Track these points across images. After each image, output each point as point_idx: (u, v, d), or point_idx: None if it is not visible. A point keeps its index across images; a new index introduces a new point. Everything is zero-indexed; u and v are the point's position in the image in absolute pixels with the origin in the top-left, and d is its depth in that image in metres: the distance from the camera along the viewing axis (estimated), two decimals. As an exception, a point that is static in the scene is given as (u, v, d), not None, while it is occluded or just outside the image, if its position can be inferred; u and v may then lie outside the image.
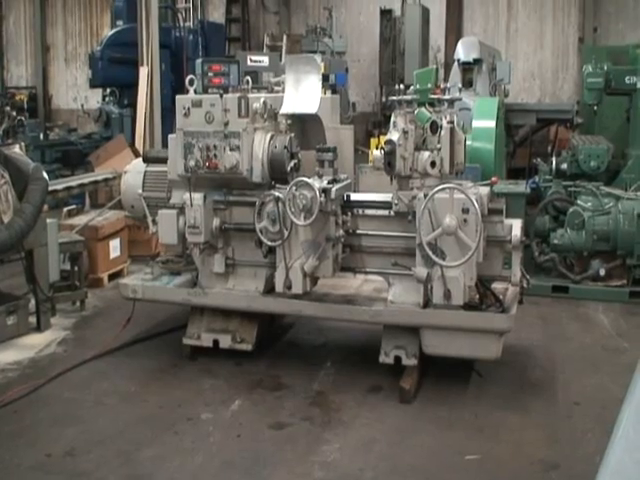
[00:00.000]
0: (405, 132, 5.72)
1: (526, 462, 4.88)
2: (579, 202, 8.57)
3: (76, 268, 7.98)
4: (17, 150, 7.49)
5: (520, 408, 5.65)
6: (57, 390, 5.99)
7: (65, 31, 20.97)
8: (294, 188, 5.78)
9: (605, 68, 10.61)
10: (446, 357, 5.99)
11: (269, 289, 6.31)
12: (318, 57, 6.98)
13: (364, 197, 6.35)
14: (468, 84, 12.29)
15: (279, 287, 6.05)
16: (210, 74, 6.57)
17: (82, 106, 17.88)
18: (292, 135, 6.22)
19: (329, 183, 5.84)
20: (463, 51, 12.67)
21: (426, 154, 5.75)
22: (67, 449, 5.03)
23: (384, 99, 15.65)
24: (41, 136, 13.95)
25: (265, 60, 13.76)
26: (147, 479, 4.71)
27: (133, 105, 13.79)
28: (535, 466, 4.83)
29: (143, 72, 12.90)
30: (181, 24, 16.50)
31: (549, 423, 5.42)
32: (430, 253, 5.54)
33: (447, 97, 6.05)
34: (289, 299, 6.12)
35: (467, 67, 12.55)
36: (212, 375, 6.25)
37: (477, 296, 5.97)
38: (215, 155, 6.07)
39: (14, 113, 13.83)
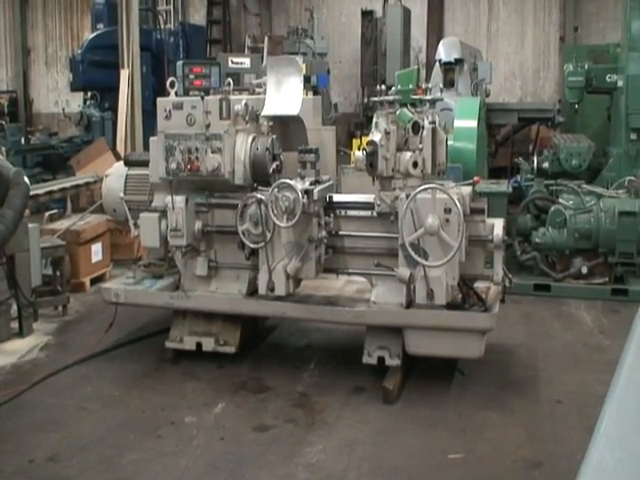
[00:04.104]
0: (387, 133, 5.72)
1: (509, 460, 4.89)
2: (561, 201, 8.61)
3: (58, 273, 7.94)
4: (-3, 155, 7.46)
5: (503, 407, 5.66)
6: (40, 395, 5.95)
7: (45, 34, 20.87)
8: (276, 190, 5.78)
9: (586, 67, 10.73)
10: (429, 357, 6.00)
11: (252, 291, 6.29)
12: (299, 58, 6.99)
13: (346, 198, 6.36)
14: (449, 84, 12.34)
15: (262, 289, 6.04)
16: (191, 76, 6.57)
17: (63, 110, 17.78)
18: (274, 137, 6.21)
19: (311, 184, 5.83)
20: (444, 51, 12.72)
21: (408, 154, 5.76)
22: (50, 454, 5.00)
23: (366, 100, 15.70)
24: (22, 140, 13.84)
25: (246, 62, 13.75)
26: (131, 483, 4.70)
27: (114, 108, 13.73)
28: (518, 464, 4.85)
29: (124, 75, 12.85)
30: (162, 26, 16.44)
31: (532, 421, 5.44)
32: (412, 253, 5.55)
33: (429, 97, 6.06)
34: (272, 301, 6.11)
35: (448, 67, 12.60)
36: (195, 378, 6.23)
37: (460, 295, 5.98)
38: (197, 157, 6.06)
39: (-6, 117, 13.77)
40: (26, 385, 6.06)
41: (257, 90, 6.83)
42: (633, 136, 9.88)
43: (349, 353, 6.46)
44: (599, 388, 5.64)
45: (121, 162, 7.19)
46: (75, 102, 17.98)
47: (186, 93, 6.53)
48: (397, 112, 5.90)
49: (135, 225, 6.57)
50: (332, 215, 6.15)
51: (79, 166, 12.50)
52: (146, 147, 7.71)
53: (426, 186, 5.56)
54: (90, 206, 9.63)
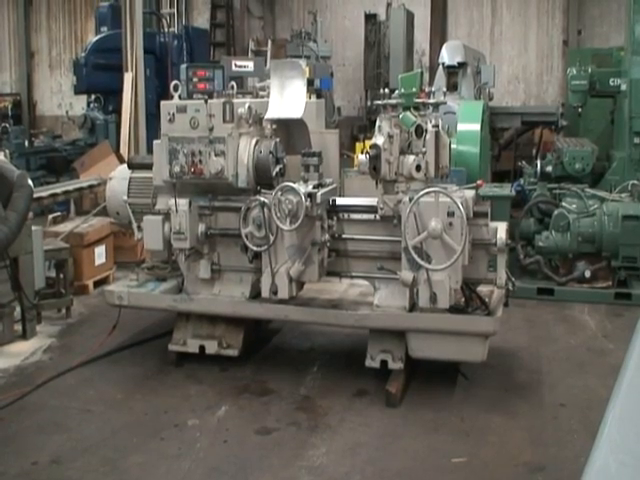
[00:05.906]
0: (390, 136, 5.72)
1: (512, 464, 4.89)
2: (564, 204, 8.61)
3: (61, 275, 7.94)
4: (1, 157, 7.47)
5: (506, 410, 5.66)
6: (43, 398, 5.95)
7: (49, 37, 20.88)
8: (279, 193, 5.79)
9: (589, 71, 10.71)
10: (432, 360, 6.00)
11: (255, 294, 6.30)
12: (303, 62, 6.99)
13: (349, 201, 6.36)
14: (453, 88, 12.35)
15: (265, 292, 6.05)
16: (195, 79, 6.54)
17: (67, 112, 17.82)
18: (277, 140, 6.22)
19: (314, 188, 5.84)
20: (448, 55, 12.73)
21: (411, 158, 5.76)
22: (53, 457, 5.00)
23: (369, 103, 15.69)
24: (26, 143, 13.88)
25: (250, 65, 13.73)
26: (134, 486, 4.70)
27: (118, 111, 13.77)
28: (521, 468, 4.84)
29: (127, 78, 12.89)
30: (166, 30, 16.47)
31: (535, 425, 5.43)
32: (416, 257, 5.55)
33: (432, 101, 6.06)
34: (275, 304, 6.12)
35: (452, 71, 12.62)
36: (198, 381, 6.23)
37: (463, 299, 5.98)
38: (200, 161, 6.07)
39: (-2, 120, 13.80)
40: (29, 387, 6.07)
41: (260, 93, 6.83)
42: (636, 140, 9.87)
43: (352, 356, 6.46)
44: (603, 392, 5.63)
45: (125, 165, 7.20)
46: (79, 105, 17.98)
47: (190, 96, 6.51)
48: (400, 115, 5.89)
49: (138, 228, 6.58)
50: (335, 218, 6.15)
51: (83, 169, 12.52)
52: (150, 150, 7.73)
53: (429, 189, 5.56)
54: (94, 209, 9.65)
